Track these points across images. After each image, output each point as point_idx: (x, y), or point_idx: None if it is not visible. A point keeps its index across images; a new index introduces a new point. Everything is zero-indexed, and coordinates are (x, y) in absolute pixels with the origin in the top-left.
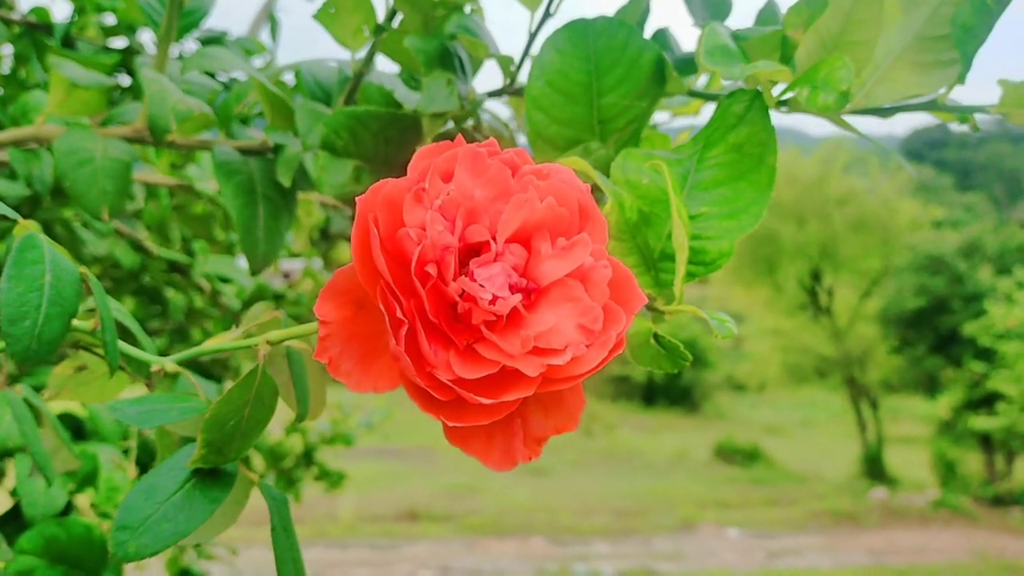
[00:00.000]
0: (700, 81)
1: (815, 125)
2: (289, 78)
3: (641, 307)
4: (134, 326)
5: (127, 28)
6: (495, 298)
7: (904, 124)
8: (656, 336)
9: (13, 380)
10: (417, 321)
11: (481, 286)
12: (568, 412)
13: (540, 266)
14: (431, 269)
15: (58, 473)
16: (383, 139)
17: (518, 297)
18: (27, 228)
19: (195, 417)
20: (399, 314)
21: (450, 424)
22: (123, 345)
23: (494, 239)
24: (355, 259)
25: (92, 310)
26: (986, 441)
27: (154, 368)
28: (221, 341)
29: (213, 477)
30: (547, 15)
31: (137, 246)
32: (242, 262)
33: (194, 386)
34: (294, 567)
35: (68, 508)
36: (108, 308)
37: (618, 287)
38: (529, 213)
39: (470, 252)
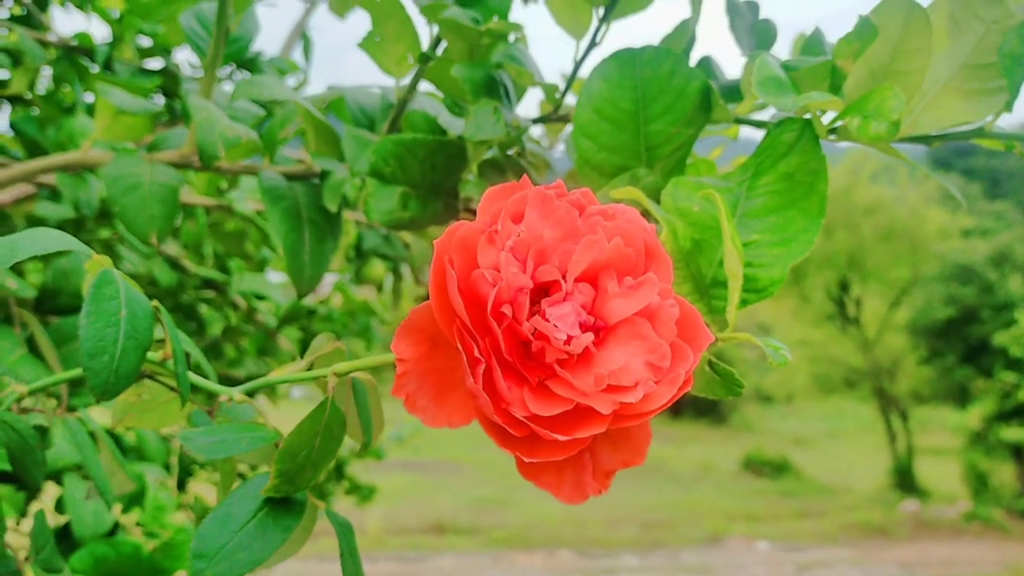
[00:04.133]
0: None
1: None
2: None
3: (708, 345)
4: (199, 355)
5: (163, 50)
6: (570, 338)
7: None
8: (711, 363)
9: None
10: (493, 359)
11: (555, 326)
12: (635, 446)
13: (608, 304)
14: (507, 310)
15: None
16: (430, 166)
17: (590, 336)
18: (101, 264)
19: (265, 447)
20: (476, 353)
21: (525, 460)
22: (191, 375)
23: (564, 278)
24: (432, 299)
25: (159, 340)
26: (1018, 452)
27: (222, 398)
28: (286, 372)
29: (285, 506)
30: (593, 44)
31: (174, 264)
32: (274, 278)
33: (260, 415)
34: None
35: (115, 528)
36: (179, 340)
37: (685, 325)
38: (598, 253)
39: (540, 291)
